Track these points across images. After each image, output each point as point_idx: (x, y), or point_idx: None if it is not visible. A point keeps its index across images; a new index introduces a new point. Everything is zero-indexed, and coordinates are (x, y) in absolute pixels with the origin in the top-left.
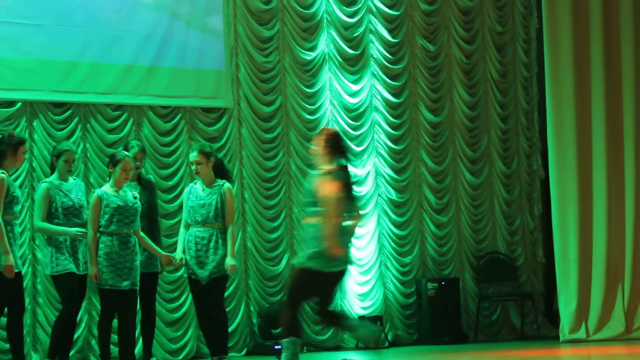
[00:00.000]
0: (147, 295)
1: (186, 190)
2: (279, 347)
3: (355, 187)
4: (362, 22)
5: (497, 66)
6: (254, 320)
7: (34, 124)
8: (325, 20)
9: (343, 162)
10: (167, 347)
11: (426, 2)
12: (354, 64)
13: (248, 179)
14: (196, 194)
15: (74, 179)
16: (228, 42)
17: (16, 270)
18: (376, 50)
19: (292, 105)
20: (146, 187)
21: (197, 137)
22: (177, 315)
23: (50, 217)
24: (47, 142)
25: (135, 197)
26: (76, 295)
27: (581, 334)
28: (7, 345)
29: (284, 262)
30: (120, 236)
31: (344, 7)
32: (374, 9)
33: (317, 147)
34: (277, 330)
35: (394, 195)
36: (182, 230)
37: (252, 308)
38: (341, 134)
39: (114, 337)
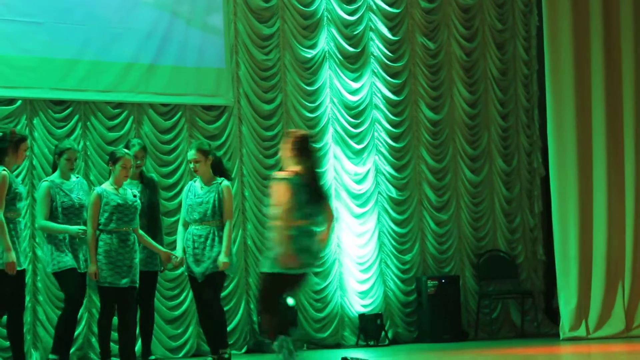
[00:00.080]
0: (146, 294)
1: (185, 188)
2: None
3: (323, 190)
4: (363, 20)
5: (497, 64)
6: (254, 318)
7: (34, 121)
8: (325, 18)
9: (309, 164)
10: (167, 344)
11: (426, 0)
12: (354, 62)
13: (248, 176)
14: (195, 192)
15: (77, 177)
16: (228, 39)
17: (19, 268)
18: (376, 47)
19: (292, 103)
20: (148, 186)
21: (197, 135)
22: (178, 312)
23: (50, 216)
24: (48, 140)
25: (135, 195)
26: (79, 291)
27: (581, 331)
28: (8, 343)
29: None
30: (119, 234)
31: (344, 5)
32: (374, 7)
33: (284, 149)
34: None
35: (394, 193)
36: (180, 228)
37: (252, 306)
38: (309, 136)
39: (114, 335)
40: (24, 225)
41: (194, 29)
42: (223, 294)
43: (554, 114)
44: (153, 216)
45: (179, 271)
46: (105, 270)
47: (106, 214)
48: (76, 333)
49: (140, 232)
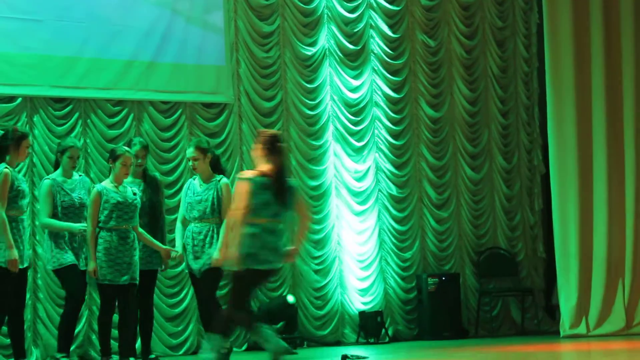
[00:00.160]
0: (145, 292)
1: (185, 186)
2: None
3: (292, 189)
4: (363, 18)
5: (497, 61)
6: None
7: (35, 119)
8: (325, 15)
9: (278, 163)
10: (167, 342)
11: None
12: (354, 60)
13: None
14: (194, 189)
15: (80, 175)
16: (228, 37)
17: (21, 266)
18: (376, 45)
19: (292, 101)
20: (149, 185)
21: (197, 133)
22: (178, 310)
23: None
24: (48, 137)
25: (134, 194)
26: (81, 288)
27: (581, 329)
28: (8, 340)
29: None
30: (119, 231)
31: (345, 3)
32: (375, 5)
33: (255, 149)
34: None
35: (394, 190)
36: (178, 225)
37: (252, 303)
38: (279, 136)
39: (115, 332)
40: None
41: (194, 27)
42: (222, 292)
43: (554, 111)
44: (154, 216)
45: (179, 269)
46: (105, 267)
47: (106, 212)
48: (76, 330)
49: (140, 229)
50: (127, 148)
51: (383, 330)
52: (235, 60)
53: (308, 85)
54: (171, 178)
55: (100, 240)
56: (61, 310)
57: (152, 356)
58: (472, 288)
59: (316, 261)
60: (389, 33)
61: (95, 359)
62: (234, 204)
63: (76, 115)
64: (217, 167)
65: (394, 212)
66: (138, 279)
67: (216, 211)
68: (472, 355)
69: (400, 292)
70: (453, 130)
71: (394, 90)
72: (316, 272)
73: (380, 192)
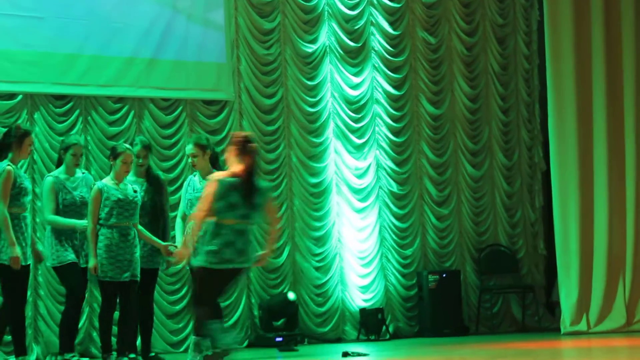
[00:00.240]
0: (146, 290)
1: (185, 182)
2: (280, 339)
3: (262, 191)
4: (363, 15)
5: (498, 58)
6: (255, 313)
7: (35, 116)
8: (326, 12)
9: (249, 165)
10: (168, 339)
11: None
12: (355, 57)
13: None
14: (194, 186)
15: (83, 173)
16: (229, 34)
17: (24, 264)
18: (377, 42)
19: (293, 98)
20: (152, 184)
21: (198, 130)
22: (178, 307)
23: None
24: (48, 134)
25: (135, 191)
26: (81, 285)
27: (582, 326)
28: (9, 337)
29: (285, 254)
30: (120, 229)
31: (345, 0)
32: (375, 2)
33: (228, 151)
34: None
35: (395, 187)
36: (179, 221)
37: (253, 300)
38: (250, 137)
39: (115, 329)
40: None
41: (194, 24)
42: None
43: (554, 108)
44: (155, 216)
45: (180, 266)
46: (106, 264)
47: (107, 209)
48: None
49: (140, 227)
50: (128, 145)
51: (384, 327)
52: (236, 57)
53: (308, 83)
54: (172, 175)
55: (101, 238)
56: (62, 308)
57: (152, 354)
58: (472, 285)
59: (317, 258)
60: (390, 30)
61: (96, 355)
62: (198, 204)
63: (77, 112)
64: (216, 164)
65: (394, 209)
66: (139, 276)
67: None
68: (472, 352)
69: (400, 289)
70: (454, 127)
71: (395, 88)
72: (317, 269)
73: (380, 189)
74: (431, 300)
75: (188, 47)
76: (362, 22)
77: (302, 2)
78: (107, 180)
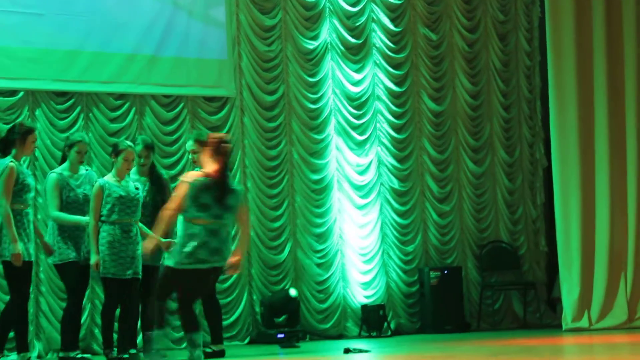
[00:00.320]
0: (147, 288)
1: None
2: (281, 335)
3: (234, 192)
4: (365, 11)
5: (499, 55)
6: (257, 309)
7: (37, 113)
8: (327, 9)
9: (222, 166)
10: (169, 335)
11: None
12: (356, 53)
13: (250, 168)
14: None
15: (87, 170)
16: (230, 31)
17: (26, 260)
18: (378, 39)
19: (294, 94)
20: (154, 183)
21: (199, 126)
22: None
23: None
24: (50, 131)
25: (137, 188)
26: (80, 282)
27: (584, 322)
28: (12, 333)
29: (286, 250)
30: (122, 225)
31: None
32: None
33: (204, 152)
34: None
35: (396, 184)
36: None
37: (254, 297)
38: (225, 138)
39: (116, 326)
40: None
41: (195, 20)
42: (225, 285)
43: (556, 105)
44: (156, 216)
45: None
46: (109, 261)
47: (108, 206)
48: None
49: (140, 224)
50: (129, 143)
51: (385, 324)
52: (237, 53)
53: (310, 79)
54: (173, 172)
55: (103, 234)
56: (63, 304)
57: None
58: (474, 281)
59: (318, 255)
60: (391, 27)
61: (97, 352)
62: (167, 204)
63: (78, 109)
64: None
65: (396, 205)
66: (141, 273)
67: None
68: (474, 348)
69: (402, 285)
70: (455, 123)
71: (396, 84)
72: (318, 265)
73: (382, 186)
74: (432, 296)
75: (189, 43)
76: (363, 19)
77: None
78: (109, 177)
